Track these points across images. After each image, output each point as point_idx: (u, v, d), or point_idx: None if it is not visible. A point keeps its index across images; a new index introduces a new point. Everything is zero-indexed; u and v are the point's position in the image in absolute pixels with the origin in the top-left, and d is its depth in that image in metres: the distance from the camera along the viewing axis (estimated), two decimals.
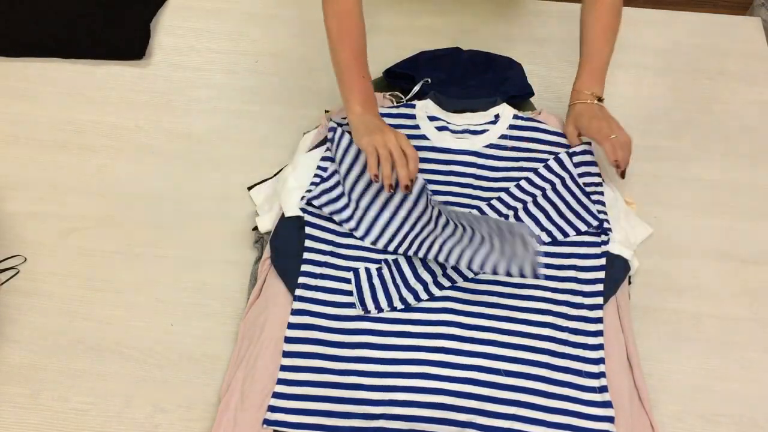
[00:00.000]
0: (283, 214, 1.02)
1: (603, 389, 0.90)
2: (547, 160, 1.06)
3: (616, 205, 1.05)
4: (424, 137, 1.09)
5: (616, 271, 0.99)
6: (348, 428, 0.87)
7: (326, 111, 1.15)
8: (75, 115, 1.19)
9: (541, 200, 1.02)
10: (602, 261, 0.98)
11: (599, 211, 1.02)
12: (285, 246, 1.00)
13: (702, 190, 1.12)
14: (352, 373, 0.90)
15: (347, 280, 0.97)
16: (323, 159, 1.05)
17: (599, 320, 0.94)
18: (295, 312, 0.94)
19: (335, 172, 1.04)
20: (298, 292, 0.95)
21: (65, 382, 0.94)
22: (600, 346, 0.93)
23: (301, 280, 0.96)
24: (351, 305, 0.95)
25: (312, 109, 1.19)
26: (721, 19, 1.34)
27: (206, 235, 1.06)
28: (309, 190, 1.02)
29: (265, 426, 0.87)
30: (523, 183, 1.04)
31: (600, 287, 0.97)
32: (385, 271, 0.97)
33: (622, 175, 1.00)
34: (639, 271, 1.03)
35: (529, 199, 1.03)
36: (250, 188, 1.10)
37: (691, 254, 1.06)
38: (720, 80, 1.25)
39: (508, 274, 0.91)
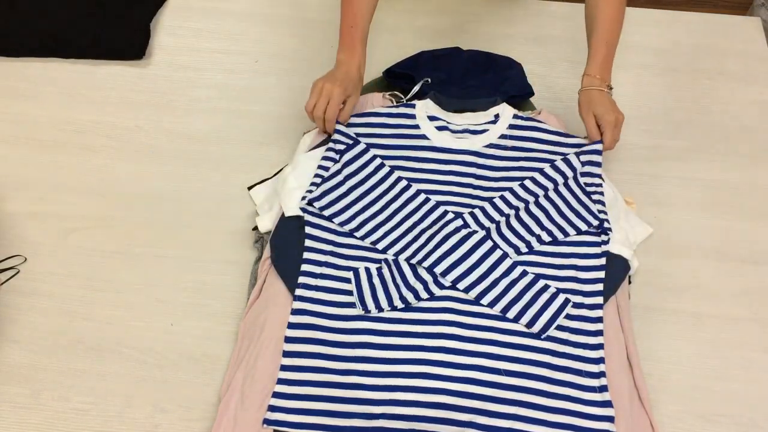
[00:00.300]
0: (283, 214, 1.02)
1: (603, 389, 0.90)
2: (547, 159, 1.06)
3: (616, 204, 1.05)
4: (424, 137, 1.09)
5: (616, 270, 0.99)
6: (348, 428, 0.87)
7: None
8: (75, 115, 1.19)
9: (542, 200, 1.03)
10: (602, 261, 0.98)
11: (599, 211, 1.02)
12: (285, 246, 1.00)
13: (702, 190, 1.12)
14: (352, 373, 0.90)
15: (348, 280, 0.97)
16: (324, 159, 1.05)
17: (599, 320, 0.94)
18: (296, 312, 0.94)
19: (337, 172, 1.04)
20: (299, 291, 0.95)
21: (65, 382, 0.94)
22: (600, 346, 0.93)
23: (302, 279, 0.96)
24: (351, 305, 0.95)
25: None
26: (721, 19, 1.34)
27: (206, 235, 1.06)
28: (310, 191, 1.02)
29: (265, 426, 0.87)
30: (527, 182, 1.04)
31: (600, 287, 0.97)
32: (385, 271, 0.97)
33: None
34: (639, 270, 1.03)
35: (531, 198, 1.03)
36: (250, 188, 1.10)
37: (691, 254, 1.06)
38: (720, 80, 1.25)
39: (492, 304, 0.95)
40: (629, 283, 1.01)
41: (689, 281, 1.03)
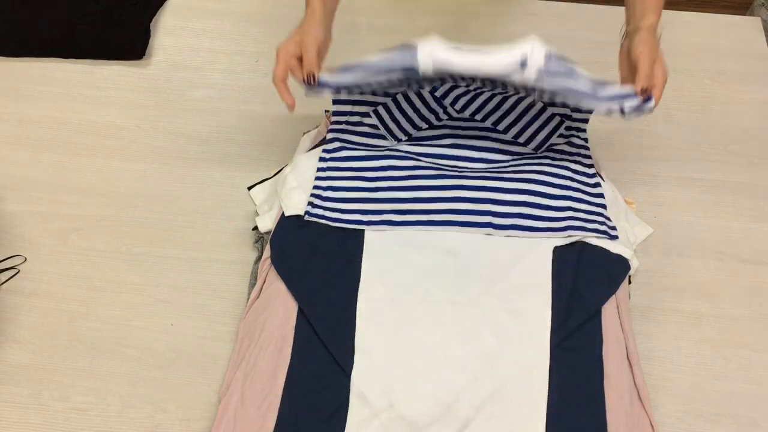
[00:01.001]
0: (283, 214, 1.02)
1: (597, 185, 1.03)
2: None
3: (617, 204, 1.05)
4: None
5: (616, 270, 0.99)
6: (380, 221, 0.98)
7: (326, 111, 1.15)
8: (75, 115, 1.19)
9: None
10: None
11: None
12: (285, 245, 1.00)
13: (702, 190, 1.12)
14: (381, 183, 1.02)
15: (370, 115, 1.06)
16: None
17: (587, 142, 1.05)
18: (330, 141, 1.06)
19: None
20: (330, 135, 1.06)
21: (65, 382, 0.94)
22: (591, 159, 1.04)
23: (334, 118, 1.07)
24: (378, 136, 1.06)
25: (312, 108, 1.19)
26: (721, 19, 1.34)
27: (206, 235, 1.06)
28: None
29: (307, 216, 0.99)
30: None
31: (588, 116, 1.04)
32: (402, 100, 1.05)
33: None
34: (639, 270, 1.03)
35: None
36: (250, 188, 1.10)
37: (691, 254, 1.06)
38: (720, 80, 1.25)
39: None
40: (629, 283, 1.01)
41: (689, 281, 1.03)
